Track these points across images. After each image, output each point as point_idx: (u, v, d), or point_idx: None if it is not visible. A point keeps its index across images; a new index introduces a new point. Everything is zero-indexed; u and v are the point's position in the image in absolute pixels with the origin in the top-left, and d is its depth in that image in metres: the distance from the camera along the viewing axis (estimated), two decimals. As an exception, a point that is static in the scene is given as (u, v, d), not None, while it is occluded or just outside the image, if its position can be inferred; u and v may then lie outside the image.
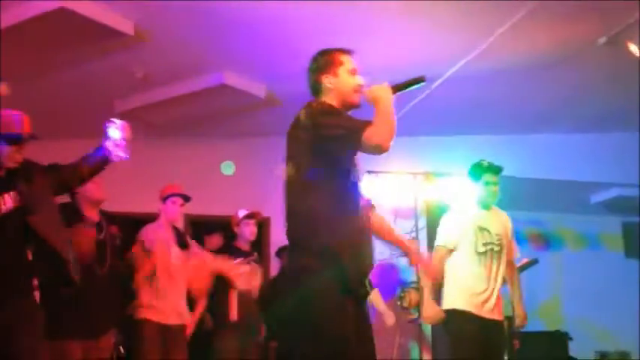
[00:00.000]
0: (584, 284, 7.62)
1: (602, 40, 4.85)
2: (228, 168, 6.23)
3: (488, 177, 4.14)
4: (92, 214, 3.77)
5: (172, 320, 4.28)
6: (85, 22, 4.22)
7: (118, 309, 4.09)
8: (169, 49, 4.88)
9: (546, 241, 8.08)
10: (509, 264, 4.25)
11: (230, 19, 4.49)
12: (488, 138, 6.92)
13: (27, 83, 5.29)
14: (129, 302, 4.29)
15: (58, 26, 4.32)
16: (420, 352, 5.57)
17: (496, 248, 4.05)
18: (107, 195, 3.79)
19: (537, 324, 7.12)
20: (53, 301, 3.42)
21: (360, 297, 2.50)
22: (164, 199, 4.42)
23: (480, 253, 4.03)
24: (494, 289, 4.01)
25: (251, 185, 6.21)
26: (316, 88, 2.73)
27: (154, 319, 4.21)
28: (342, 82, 2.72)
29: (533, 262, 5.10)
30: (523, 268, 5.04)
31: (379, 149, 2.54)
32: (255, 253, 5.02)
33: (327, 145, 2.49)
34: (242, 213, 4.91)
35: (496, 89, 5.86)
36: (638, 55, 4.84)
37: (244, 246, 4.91)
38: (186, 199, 4.47)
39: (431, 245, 6.68)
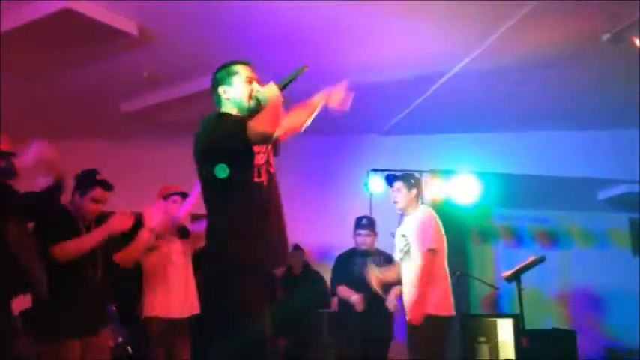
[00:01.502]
0: (592, 281, 7.60)
1: (606, 36, 4.83)
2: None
3: None
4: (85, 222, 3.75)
5: (178, 314, 4.29)
6: (89, 22, 4.22)
7: (110, 305, 4.13)
8: (174, 48, 4.89)
9: (553, 239, 8.06)
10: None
11: (235, 17, 4.49)
12: (494, 136, 6.92)
13: (33, 84, 5.33)
14: (134, 299, 4.31)
15: (61, 27, 4.32)
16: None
17: None
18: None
19: (545, 322, 7.12)
20: (49, 302, 3.45)
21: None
22: (164, 197, 4.43)
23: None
24: None
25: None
26: (216, 100, 2.88)
27: (160, 314, 4.23)
28: (237, 91, 2.83)
29: (539, 260, 5.07)
30: (529, 266, 5.01)
31: (264, 136, 2.67)
32: None
33: (219, 151, 2.66)
34: None
35: (501, 87, 5.85)
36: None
37: None
38: (185, 196, 4.50)
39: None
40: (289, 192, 6.70)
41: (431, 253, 4.16)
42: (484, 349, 6.50)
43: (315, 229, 5.66)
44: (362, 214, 5.67)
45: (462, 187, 6.50)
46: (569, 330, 6.96)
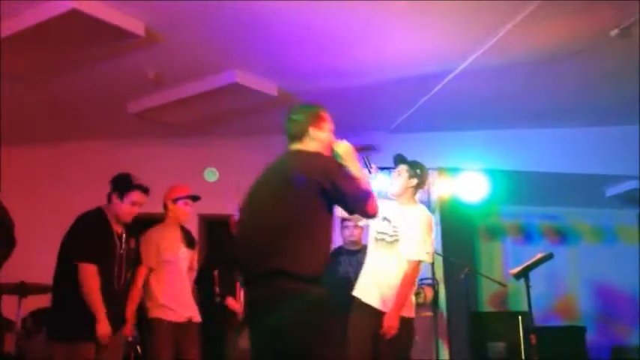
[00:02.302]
0: (601, 278, 7.58)
1: (615, 32, 4.80)
2: (211, 175, 6.22)
3: None
4: (117, 228, 3.82)
5: (184, 317, 4.31)
6: (96, 23, 4.23)
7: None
8: (180, 49, 4.89)
9: (561, 236, 8.04)
10: None
11: (241, 18, 4.48)
12: (503, 133, 6.89)
13: (39, 85, 5.34)
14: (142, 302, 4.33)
15: (69, 28, 4.32)
16: (436, 348, 5.55)
17: None
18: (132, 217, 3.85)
19: (554, 319, 7.10)
20: (70, 306, 3.57)
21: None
22: (174, 200, 4.44)
23: None
24: None
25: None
26: (301, 135, 3.04)
27: (166, 317, 4.25)
28: (324, 138, 3.07)
29: (547, 257, 5.05)
30: (537, 263, 4.99)
31: (371, 217, 3.19)
32: None
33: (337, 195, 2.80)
34: None
35: (509, 83, 5.82)
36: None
37: None
38: (195, 199, 4.51)
39: (445, 240, 6.71)
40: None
41: (420, 261, 3.88)
42: (495, 347, 6.50)
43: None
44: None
45: (470, 185, 6.48)
46: (579, 327, 6.95)
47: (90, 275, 3.60)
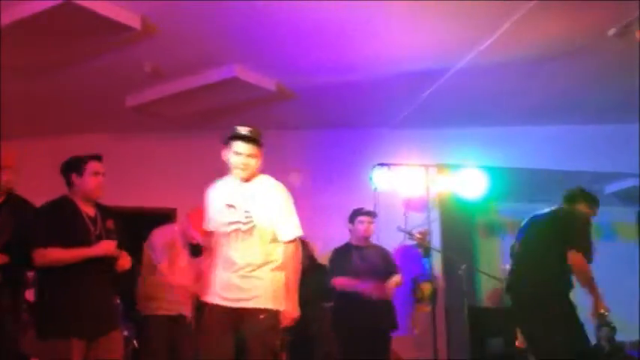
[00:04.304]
0: (599, 274, 7.56)
1: (612, 31, 4.81)
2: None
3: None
4: (88, 209, 3.59)
5: (178, 311, 4.32)
6: (91, 16, 4.19)
7: (117, 307, 4.00)
8: (178, 42, 4.86)
9: (560, 233, 8.03)
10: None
11: (240, 12, 4.47)
12: (502, 130, 6.89)
13: (36, 80, 5.32)
14: (137, 297, 4.34)
15: (62, 21, 4.29)
16: (434, 344, 5.56)
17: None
18: (103, 193, 3.64)
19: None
20: (51, 300, 3.42)
21: None
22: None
23: None
24: None
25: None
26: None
27: (160, 312, 4.26)
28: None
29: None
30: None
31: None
32: None
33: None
34: None
35: (508, 81, 5.83)
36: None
37: None
38: None
39: (444, 237, 6.72)
40: (296, 186, 6.72)
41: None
42: (494, 343, 6.51)
43: (321, 223, 5.65)
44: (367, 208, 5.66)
45: (469, 182, 6.48)
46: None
47: (44, 256, 3.40)
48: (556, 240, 4.08)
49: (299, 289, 5.22)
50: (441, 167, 6.50)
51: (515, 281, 4.20)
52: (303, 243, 5.98)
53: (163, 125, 6.41)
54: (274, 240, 3.41)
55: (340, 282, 4.99)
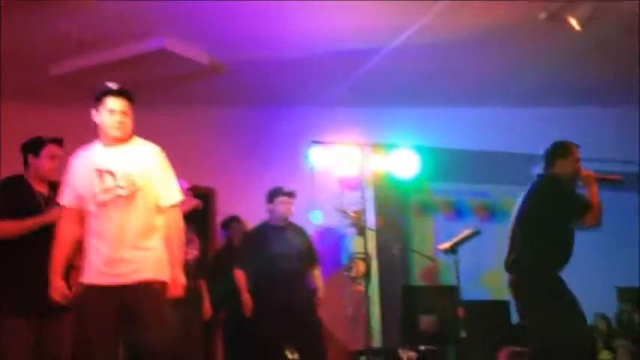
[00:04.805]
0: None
1: (543, 15, 4.89)
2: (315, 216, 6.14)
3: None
4: (41, 188, 3.66)
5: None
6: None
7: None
8: (106, 11, 4.66)
9: (491, 213, 8.20)
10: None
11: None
12: (436, 111, 6.93)
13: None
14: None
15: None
16: (367, 322, 5.59)
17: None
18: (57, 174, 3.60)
19: (482, 293, 7.26)
20: (1, 274, 3.39)
21: None
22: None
23: None
24: None
25: (195, 156, 6.06)
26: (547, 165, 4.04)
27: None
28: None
29: (475, 234, 5.16)
30: (465, 239, 5.09)
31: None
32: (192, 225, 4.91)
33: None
34: (182, 184, 4.77)
35: (441, 62, 5.86)
36: (578, 29, 4.92)
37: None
38: None
39: (379, 216, 6.74)
40: (228, 163, 6.64)
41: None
42: (427, 320, 6.61)
43: (255, 202, 5.56)
44: (303, 187, 5.61)
45: (403, 161, 6.50)
46: (503, 301, 7.13)
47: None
48: (541, 217, 3.94)
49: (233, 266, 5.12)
50: (375, 146, 6.49)
51: (510, 260, 4.13)
52: (237, 220, 5.97)
53: (89, 96, 6.14)
54: (157, 206, 3.18)
55: (240, 280, 4.99)
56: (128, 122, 3.20)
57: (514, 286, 4.06)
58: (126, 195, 3.10)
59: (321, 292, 5.18)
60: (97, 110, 3.23)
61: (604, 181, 3.84)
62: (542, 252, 3.89)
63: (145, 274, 3.07)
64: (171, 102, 6.21)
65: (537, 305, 3.88)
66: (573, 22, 4.85)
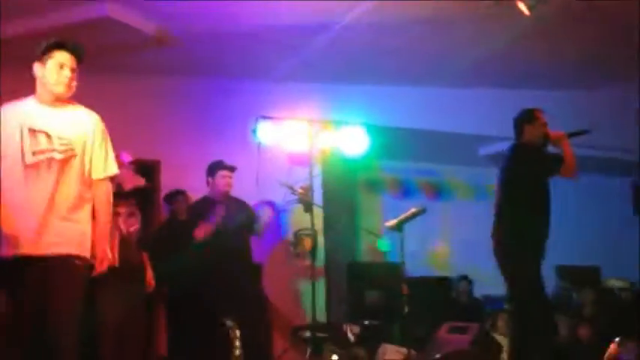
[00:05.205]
0: (472, 232, 7.92)
1: (489, -1, 4.95)
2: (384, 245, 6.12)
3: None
4: None
5: None
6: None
7: None
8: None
9: (438, 191, 8.33)
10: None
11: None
12: (386, 89, 6.94)
13: None
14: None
15: None
16: (313, 297, 5.60)
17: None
18: None
19: (426, 269, 7.39)
20: None
21: None
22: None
23: None
24: None
25: (141, 127, 5.93)
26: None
27: None
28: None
29: (421, 212, 5.22)
30: (411, 216, 5.16)
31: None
32: (134, 198, 4.82)
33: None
34: (125, 158, 4.68)
35: (393, 40, 5.87)
36: (527, 13, 4.98)
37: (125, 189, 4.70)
38: None
39: (326, 192, 6.75)
40: (175, 136, 6.51)
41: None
42: (372, 295, 6.69)
43: (200, 176, 5.48)
44: (249, 162, 5.56)
45: (352, 139, 6.51)
46: (447, 277, 7.30)
47: None
48: (516, 182, 4.22)
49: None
50: (324, 123, 6.47)
51: (495, 229, 4.32)
52: (182, 194, 5.89)
53: (26, 64, 5.92)
54: (89, 177, 2.97)
55: (200, 232, 4.93)
56: (74, 82, 2.96)
57: (498, 250, 4.25)
58: (60, 160, 2.87)
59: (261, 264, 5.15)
60: (42, 63, 2.93)
61: (573, 136, 4.11)
62: (521, 214, 4.15)
63: (67, 248, 2.85)
64: (115, 71, 6.02)
65: (519, 257, 4.11)
66: (522, 7, 4.91)
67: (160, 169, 6.17)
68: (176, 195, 5.84)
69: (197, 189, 5.62)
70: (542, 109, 4.29)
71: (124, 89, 6.01)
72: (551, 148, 4.28)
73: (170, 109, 6.20)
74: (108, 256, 2.97)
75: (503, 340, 5.28)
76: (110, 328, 4.40)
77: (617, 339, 4.08)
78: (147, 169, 5.53)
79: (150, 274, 4.80)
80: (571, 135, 4.11)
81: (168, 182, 6.05)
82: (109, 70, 5.94)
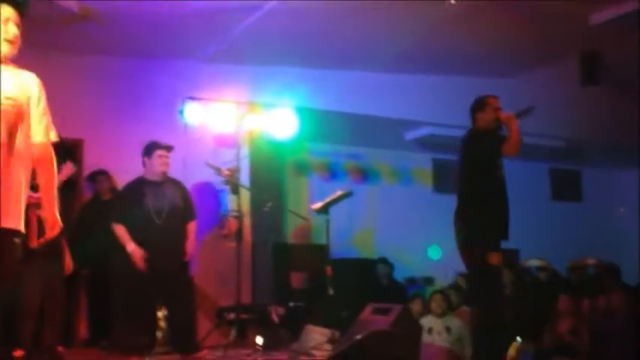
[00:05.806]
0: (397, 215, 8.12)
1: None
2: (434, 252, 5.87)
3: None
4: None
5: None
6: None
7: None
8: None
9: (364, 175, 8.46)
10: None
11: None
12: (314, 72, 6.96)
13: None
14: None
15: None
16: (238, 279, 5.62)
17: None
18: None
19: (352, 252, 7.52)
20: None
21: None
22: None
23: None
24: None
25: (64, 105, 5.74)
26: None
27: None
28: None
29: (347, 195, 5.31)
30: (337, 199, 5.23)
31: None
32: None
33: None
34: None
35: (321, 23, 5.89)
36: (453, 2, 5.10)
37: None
38: None
39: (253, 174, 6.76)
40: (99, 115, 6.35)
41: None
42: (296, 277, 6.77)
43: (125, 156, 5.39)
44: (176, 143, 5.49)
45: (280, 121, 6.53)
46: (371, 259, 7.45)
47: None
48: (469, 165, 4.39)
49: (101, 220, 4.95)
50: (252, 105, 6.47)
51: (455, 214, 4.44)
52: (105, 174, 5.78)
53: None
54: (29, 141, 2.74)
55: (121, 232, 4.88)
56: (18, 39, 2.73)
57: (460, 236, 4.37)
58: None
59: (191, 246, 5.12)
60: None
61: (520, 115, 4.29)
62: (479, 196, 4.31)
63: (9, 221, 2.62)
64: (37, 47, 5.82)
65: (483, 243, 4.28)
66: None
67: (83, 149, 6.02)
68: (98, 175, 5.73)
69: (121, 169, 5.53)
70: (495, 95, 4.47)
71: (47, 66, 5.73)
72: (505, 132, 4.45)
73: (95, 88, 6.04)
74: (59, 222, 2.81)
75: (436, 320, 5.45)
76: (30, 306, 4.31)
77: (515, 342, 4.24)
78: (69, 148, 5.40)
79: (68, 258, 4.69)
80: (518, 115, 4.30)
81: (91, 162, 5.92)
82: (31, 45, 5.74)
